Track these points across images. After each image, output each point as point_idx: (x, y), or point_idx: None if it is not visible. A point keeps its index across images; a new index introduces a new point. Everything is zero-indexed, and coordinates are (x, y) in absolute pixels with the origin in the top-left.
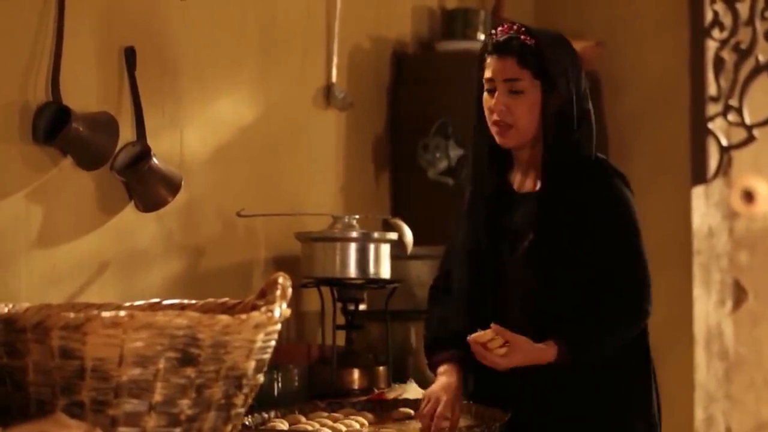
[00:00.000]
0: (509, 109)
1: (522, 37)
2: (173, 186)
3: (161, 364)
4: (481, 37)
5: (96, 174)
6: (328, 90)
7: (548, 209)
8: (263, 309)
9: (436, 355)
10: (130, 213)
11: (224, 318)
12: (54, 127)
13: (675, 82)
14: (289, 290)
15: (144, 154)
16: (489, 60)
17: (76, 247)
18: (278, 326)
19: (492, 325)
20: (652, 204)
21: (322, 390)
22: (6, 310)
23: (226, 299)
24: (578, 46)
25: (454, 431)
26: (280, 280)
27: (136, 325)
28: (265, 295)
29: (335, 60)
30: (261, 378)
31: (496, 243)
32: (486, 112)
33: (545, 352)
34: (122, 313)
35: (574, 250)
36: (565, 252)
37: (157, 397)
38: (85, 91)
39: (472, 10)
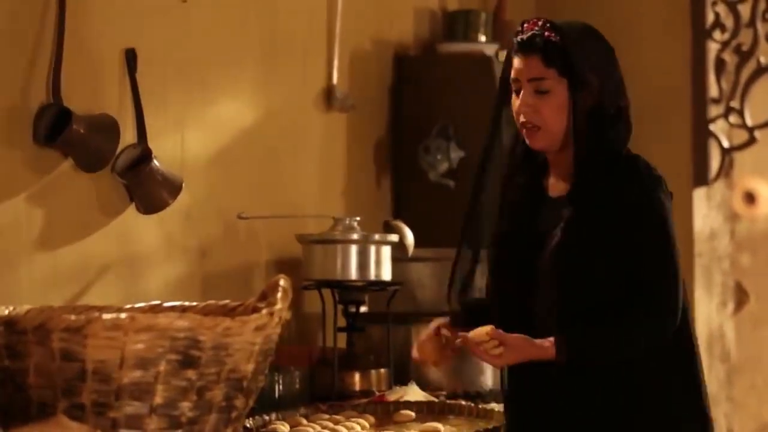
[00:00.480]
0: (536, 110)
1: (546, 33)
2: (174, 188)
3: (162, 367)
4: (482, 38)
5: (97, 176)
6: (329, 92)
7: (577, 209)
8: (264, 311)
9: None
10: (130, 215)
11: (225, 320)
12: (55, 128)
13: (676, 83)
14: (290, 292)
15: (145, 156)
16: (515, 59)
17: (76, 250)
18: (279, 328)
19: (490, 328)
20: None
21: (323, 392)
22: (7, 312)
23: (227, 301)
24: None
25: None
26: (281, 282)
27: (137, 328)
28: (266, 298)
29: (336, 62)
30: (262, 380)
31: (524, 247)
32: (514, 114)
33: (544, 349)
34: (123, 315)
35: (602, 251)
36: (593, 253)
37: (158, 400)
38: (86, 93)
39: (473, 12)
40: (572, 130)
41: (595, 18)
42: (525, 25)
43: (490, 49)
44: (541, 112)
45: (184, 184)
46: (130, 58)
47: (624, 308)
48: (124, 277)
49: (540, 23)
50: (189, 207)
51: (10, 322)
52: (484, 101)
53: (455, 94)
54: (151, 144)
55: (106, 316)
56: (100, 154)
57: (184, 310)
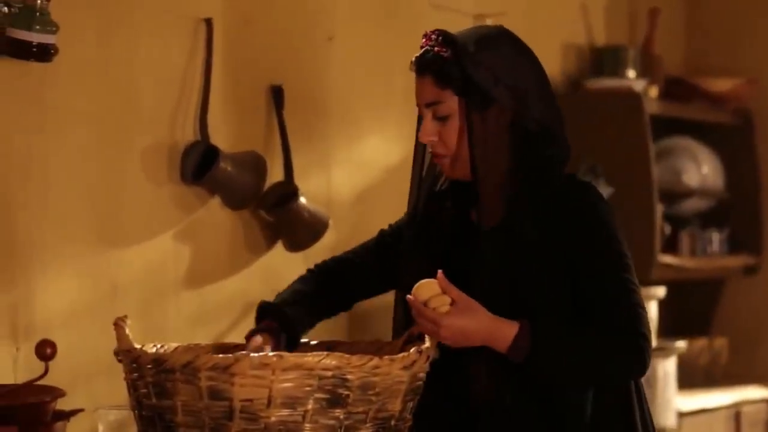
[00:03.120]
0: (440, 137)
1: (437, 48)
2: (321, 226)
3: (310, 405)
4: (631, 74)
5: (243, 213)
6: None
7: (505, 243)
8: (412, 350)
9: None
10: (277, 253)
11: (373, 359)
12: (202, 166)
13: None
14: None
15: (292, 193)
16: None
17: (223, 287)
18: (427, 367)
19: (438, 274)
20: None
21: None
22: (155, 350)
23: (375, 339)
24: (729, 83)
25: None
26: None
27: (285, 366)
28: (414, 335)
29: None
30: (410, 419)
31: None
32: None
33: (503, 328)
34: (270, 353)
35: (541, 288)
36: (529, 290)
37: None
38: (233, 131)
39: (621, 47)
40: (473, 156)
41: (747, 52)
42: (423, 39)
43: (638, 85)
44: (444, 140)
45: (330, 222)
46: (277, 95)
47: (600, 334)
48: None
49: (433, 36)
50: (335, 244)
51: (158, 360)
52: (632, 137)
53: (603, 130)
54: (297, 181)
55: (254, 354)
56: (246, 191)
57: (331, 348)
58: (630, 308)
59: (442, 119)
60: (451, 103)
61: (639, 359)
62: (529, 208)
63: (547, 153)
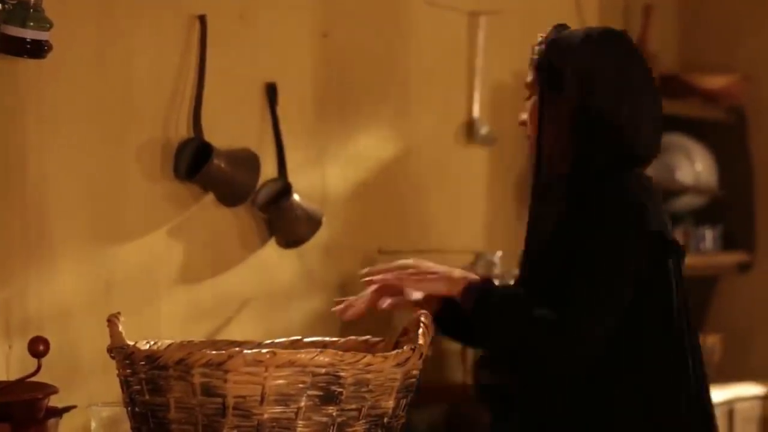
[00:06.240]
0: (528, 117)
1: (545, 35)
2: (314, 222)
3: (303, 403)
4: None
5: (237, 210)
6: (470, 126)
7: (534, 239)
8: (405, 347)
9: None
10: (270, 250)
11: (366, 356)
12: (195, 163)
13: None
14: (432, 328)
15: (285, 190)
16: None
17: (216, 284)
18: (420, 365)
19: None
20: None
21: (464, 430)
22: (148, 346)
23: (368, 337)
24: (723, 80)
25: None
26: (423, 318)
27: (278, 363)
28: (408, 334)
29: (477, 95)
30: (403, 417)
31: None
32: None
33: (457, 281)
34: (264, 350)
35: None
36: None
37: None
38: (227, 127)
39: None
40: (539, 133)
41: (741, 49)
42: None
43: None
44: (527, 117)
45: (324, 219)
46: (271, 92)
47: (541, 311)
48: (264, 312)
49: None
50: (329, 241)
51: (151, 357)
52: None
53: None
54: (291, 178)
55: (248, 351)
56: (240, 188)
57: (324, 345)
58: (578, 300)
59: (528, 99)
60: (533, 81)
61: (553, 344)
62: (561, 197)
63: (612, 150)
